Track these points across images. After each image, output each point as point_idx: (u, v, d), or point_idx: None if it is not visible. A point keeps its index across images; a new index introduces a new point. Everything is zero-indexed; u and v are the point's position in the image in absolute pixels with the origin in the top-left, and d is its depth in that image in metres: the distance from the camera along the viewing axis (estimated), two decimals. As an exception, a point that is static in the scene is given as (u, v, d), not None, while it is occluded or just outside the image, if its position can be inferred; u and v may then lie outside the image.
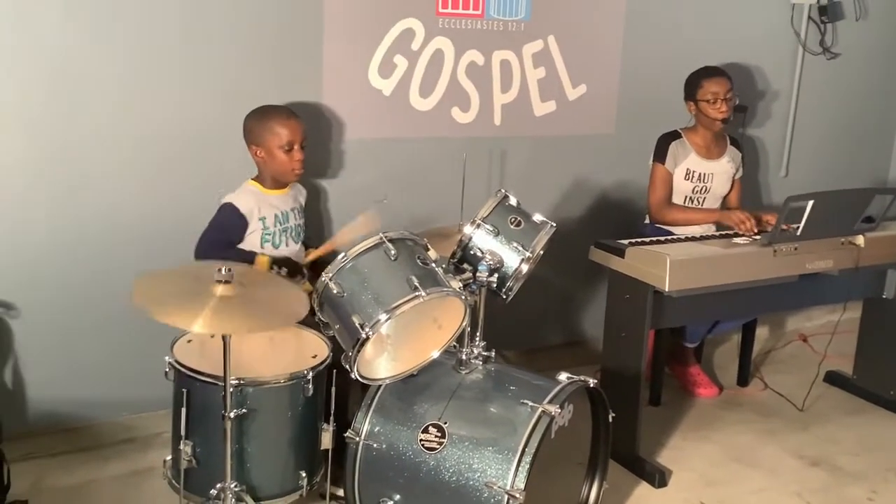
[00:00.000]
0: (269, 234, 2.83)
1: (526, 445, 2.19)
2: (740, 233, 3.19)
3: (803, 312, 4.38)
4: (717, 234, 3.27)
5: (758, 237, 3.10)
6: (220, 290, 2.06)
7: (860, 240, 3.16)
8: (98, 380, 2.98)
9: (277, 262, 2.75)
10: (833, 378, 3.77)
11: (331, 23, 3.09)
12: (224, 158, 2.97)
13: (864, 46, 4.37)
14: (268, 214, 2.82)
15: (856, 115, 4.51)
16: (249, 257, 2.76)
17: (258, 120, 2.82)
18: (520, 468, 2.17)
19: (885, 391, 3.56)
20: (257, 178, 2.87)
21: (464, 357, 2.45)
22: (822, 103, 4.34)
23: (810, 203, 2.94)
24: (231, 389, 2.16)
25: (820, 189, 3.09)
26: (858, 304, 3.63)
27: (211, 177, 2.98)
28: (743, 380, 3.76)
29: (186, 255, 2.76)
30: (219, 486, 2.23)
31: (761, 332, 4.15)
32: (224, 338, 2.11)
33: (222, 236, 2.78)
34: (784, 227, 3.00)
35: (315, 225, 3.16)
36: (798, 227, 3.00)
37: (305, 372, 2.30)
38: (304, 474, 2.36)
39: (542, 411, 2.23)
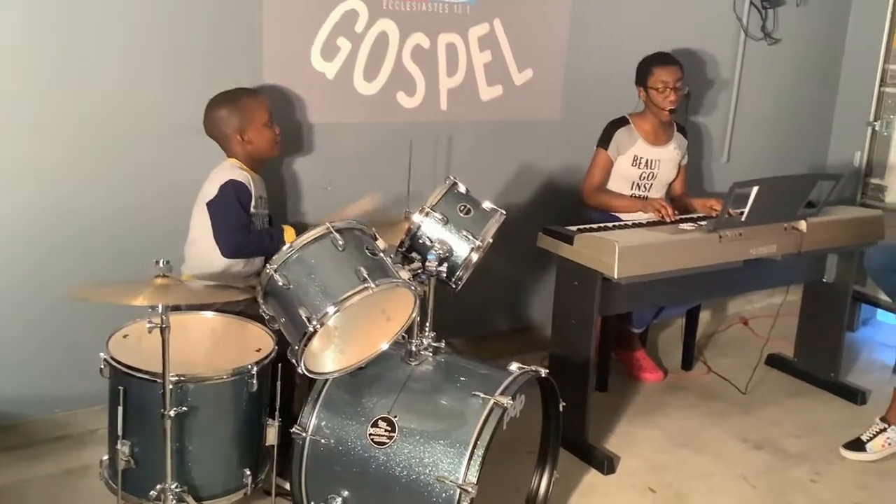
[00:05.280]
0: (253, 218, 2.72)
1: (478, 438, 2.15)
2: (664, 219, 3.22)
3: (744, 296, 4.45)
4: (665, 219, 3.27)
5: (702, 223, 3.11)
6: (158, 281, 2.08)
7: (803, 225, 3.20)
8: (28, 375, 2.85)
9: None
10: (774, 361, 3.83)
11: (271, 3, 2.99)
12: (160, 145, 2.86)
13: (803, 32, 4.44)
14: (254, 195, 2.72)
15: (796, 101, 4.58)
16: (278, 234, 2.67)
17: (232, 107, 2.73)
18: (472, 461, 2.13)
19: (825, 373, 3.63)
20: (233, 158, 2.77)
21: (413, 348, 2.39)
22: (763, 89, 4.39)
23: (755, 189, 2.95)
24: (170, 387, 2.08)
25: (760, 174, 3.11)
26: (799, 287, 3.68)
27: (148, 165, 2.86)
28: (687, 364, 3.79)
29: (121, 247, 2.66)
30: (159, 487, 2.16)
31: (703, 316, 4.20)
32: (163, 332, 2.04)
33: (243, 217, 2.65)
34: (729, 213, 3.02)
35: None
36: (743, 213, 3.01)
37: (249, 366, 2.22)
38: (248, 472, 2.29)
39: (495, 403, 2.19)
